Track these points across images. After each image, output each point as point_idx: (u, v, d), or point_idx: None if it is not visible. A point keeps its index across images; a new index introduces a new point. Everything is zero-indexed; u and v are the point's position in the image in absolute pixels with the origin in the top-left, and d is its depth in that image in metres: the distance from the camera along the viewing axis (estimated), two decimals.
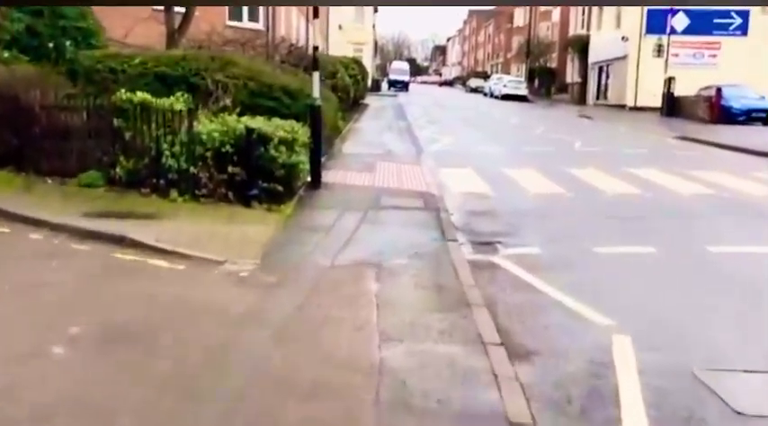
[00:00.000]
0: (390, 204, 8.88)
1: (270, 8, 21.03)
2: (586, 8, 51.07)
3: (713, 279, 6.40)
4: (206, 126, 8.57)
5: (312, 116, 9.68)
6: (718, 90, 28.40)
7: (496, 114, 31.16)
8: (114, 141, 8.97)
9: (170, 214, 7.78)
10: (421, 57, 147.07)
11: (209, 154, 8.38)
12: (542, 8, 65.10)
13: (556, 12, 61.60)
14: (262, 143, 8.42)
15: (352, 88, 23.72)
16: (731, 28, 37.09)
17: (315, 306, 5.15)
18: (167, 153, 8.56)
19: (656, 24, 35.92)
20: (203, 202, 8.32)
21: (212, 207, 8.18)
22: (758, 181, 12.13)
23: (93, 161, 9.11)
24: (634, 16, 37.29)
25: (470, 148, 16.67)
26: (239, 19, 19.89)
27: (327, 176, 10.81)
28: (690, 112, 30.01)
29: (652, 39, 35.84)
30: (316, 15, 9.16)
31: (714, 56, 37.23)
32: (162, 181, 8.66)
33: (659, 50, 33.19)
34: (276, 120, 9.02)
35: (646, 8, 36.71)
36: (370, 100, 35.79)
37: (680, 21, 34.99)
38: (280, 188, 8.47)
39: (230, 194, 8.39)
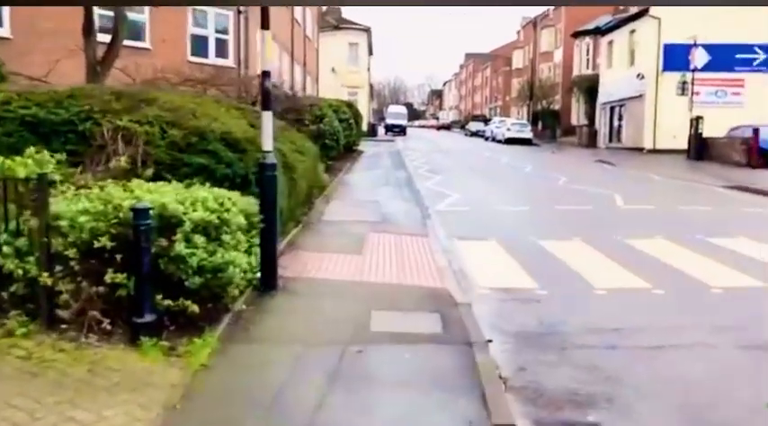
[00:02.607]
0: (386, 330, 5.28)
1: (242, 43, 17.85)
2: (592, 47, 48.60)
3: None
4: (72, 204, 5.08)
5: (263, 180, 6.21)
6: (756, 131, 25.16)
7: (505, 160, 27.86)
8: None
9: None
10: (417, 101, 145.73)
11: (72, 251, 4.86)
12: (543, 49, 62.77)
13: (558, 52, 59.22)
14: (164, 231, 4.95)
15: (341, 134, 20.42)
16: (755, 63, 34.22)
17: None
18: (5, 250, 5.04)
19: (674, 61, 33.02)
20: (58, 337, 4.77)
21: (68, 349, 4.62)
22: None
23: None
24: (650, 52, 34.41)
25: (487, 207, 13.20)
26: (204, 55, 16.67)
27: (293, 264, 7.31)
28: (721, 155, 26.73)
29: (671, 76, 32.86)
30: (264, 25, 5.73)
31: (738, 94, 34.27)
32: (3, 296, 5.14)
33: (683, 88, 30.00)
34: (198, 190, 5.56)
35: (662, 44, 33.95)
36: (366, 146, 32.63)
37: (700, 56, 32.10)
38: (195, 308, 4.95)
39: (108, 321, 4.85)
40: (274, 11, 22.44)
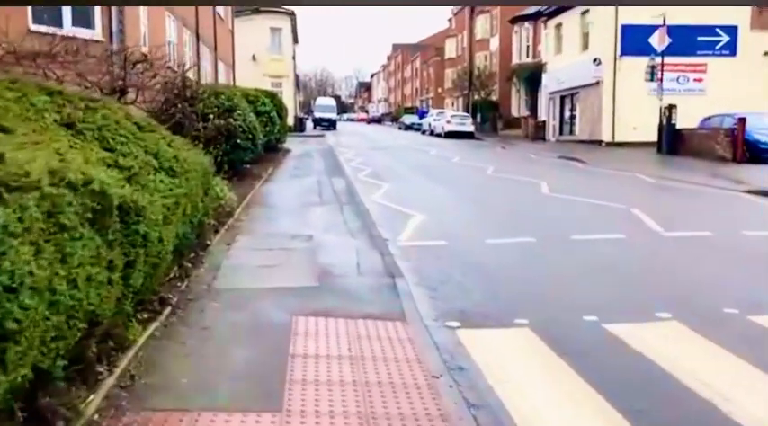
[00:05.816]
0: None
1: (114, 8, 12.85)
2: (532, 34, 45.49)
3: None
4: None
5: None
6: (742, 120, 21.97)
7: (457, 159, 23.79)
8: None
9: None
10: (345, 94, 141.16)
11: None
12: (479, 36, 59.33)
13: (494, 40, 55.98)
14: None
15: (259, 131, 15.68)
16: (718, 47, 31.45)
17: None
18: None
19: (633, 44, 29.80)
20: None
21: None
22: None
23: None
24: (606, 35, 31.09)
25: (473, 238, 8.91)
26: (55, 23, 11.64)
27: None
28: (701, 149, 23.50)
29: (630, 62, 29.68)
30: None
31: (700, 80, 31.46)
32: None
33: (653, 73, 26.67)
34: None
35: (620, 25, 30.68)
36: (293, 143, 27.93)
37: (660, 39, 28.92)
38: None
39: None
40: None
